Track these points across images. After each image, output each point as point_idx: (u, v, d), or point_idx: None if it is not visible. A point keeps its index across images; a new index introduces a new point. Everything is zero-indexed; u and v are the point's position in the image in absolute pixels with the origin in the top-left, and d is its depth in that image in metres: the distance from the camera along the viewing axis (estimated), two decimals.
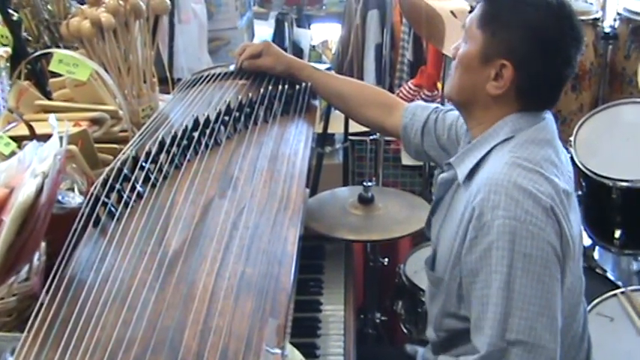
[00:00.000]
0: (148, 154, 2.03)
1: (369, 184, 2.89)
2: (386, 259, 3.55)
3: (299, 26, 5.55)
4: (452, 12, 3.54)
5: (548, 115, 2.09)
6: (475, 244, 1.88)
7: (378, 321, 3.56)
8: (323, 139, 3.82)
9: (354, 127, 3.79)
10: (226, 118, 2.27)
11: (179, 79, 3.38)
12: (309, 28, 5.78)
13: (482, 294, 1.87)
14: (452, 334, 2.11)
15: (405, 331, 3.37)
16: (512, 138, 1.99)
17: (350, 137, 4.00)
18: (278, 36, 5.32)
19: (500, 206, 1.83)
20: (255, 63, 2.71)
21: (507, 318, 1.81)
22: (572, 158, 3.70)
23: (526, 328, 1.81)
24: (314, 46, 5.84)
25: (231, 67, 2.81)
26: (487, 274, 1.84)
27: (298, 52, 5.36)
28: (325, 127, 3.76)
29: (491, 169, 1.93)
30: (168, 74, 3.30)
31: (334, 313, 2.59)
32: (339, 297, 2.68)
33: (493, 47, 1.96)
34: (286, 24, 5.19)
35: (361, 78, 5.08)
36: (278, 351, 1.45)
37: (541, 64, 1.96)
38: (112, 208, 1.84)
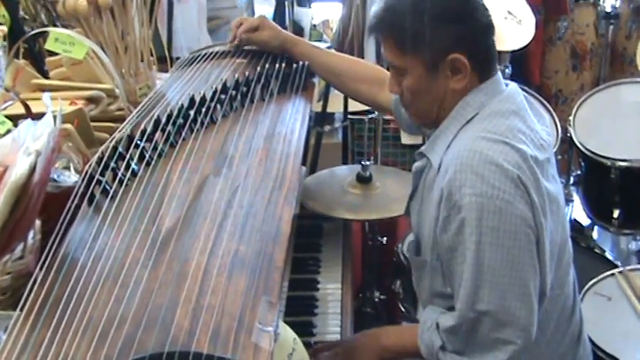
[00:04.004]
0: (144, 132, 2.02)
1: (367, 163, 2.88)
2: (384, 238, 3.55)
3: (300, 5, 5.52)
4: None
5: (511, 87, 2.08)
6: (448, 222, 1.90)
7: (377, 300, 3.56)
8: (322, 118, 3.81)
9: (354, 106, 3.78)
10: (222, 96, 2.26)
11: (178, 58, 3.37)
12: (309, 7, 5.76)
13: (459, 269, 1.90)
14: None
15: (402, 310, 3.38)
16: (476, 115, 1.99)
17: (349, 116, 3.98)
18: (278, 15, 5.29)
19: (466, 184, 1.84)
20: (252, 37, 2.70)
21: (477, 290, 1.86)
22: (570, 138, 3.70)
23: (496, 299, 1.85)
24: (315, 26, 5.81)
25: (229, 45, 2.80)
26: (462, 250, 1.88)
27: (299, 31, 5.33)
28: (324, 106, 3.76)
29: (457, 148, 1.94)
30: (167, 53, 3.29)
31: (332, 291, 2.59)
32: (337, 276, 2.68)
33: (430, 56, 1.97)
34: (287, 3, 5.15)
35: (361, 57, 5.05)
36: (270, 329, 1.45)
37: (472, 30, 1.97)
38: (107, 187, 1.83)
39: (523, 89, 3.47)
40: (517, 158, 1.87)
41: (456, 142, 1.98)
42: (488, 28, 2.01)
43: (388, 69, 2.27)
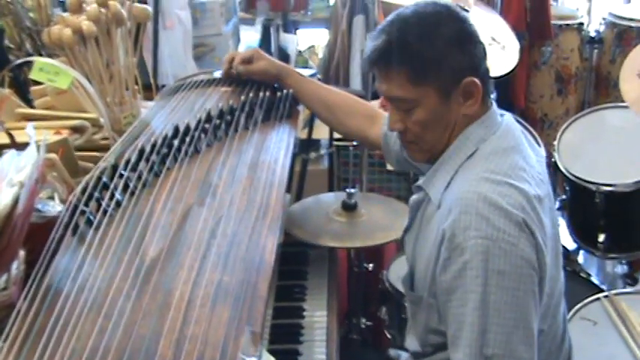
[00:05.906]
0: (128, 162, 2.03)
1: (352, 190, 2.88)
2: (371, 265, 3.55)
3: (285, 31, 5.53)
4: None
5: (507, 118, 2.10)
6: (449, 264, 1.88)
7: (363, 326, 3.56)
8: (308, 145, 3.82)
9: None
10: (206, 125, 2.27)
11: (164, 86, 3.37)
12: (295, 34, 5.77)
13: (458, 312, 1.87)
14: (437, 348, 2.11)
15: (389, 336, 3.37)
16: (477, 151, 1.99)
17: (335, 143, 4.00)
18: (264, 41, 5.29)
19: (471, 227, 1.83)
20: (250, 68, 2.66)
21: (484, 334, 1.83)
22: (555, 163, 3.72)
23: (502, 342, 1.82)
24: (301, 52, 5.83)
25: (215, 74, 2.80)
26: (463, 293, 1.85)
27: (285, 57, 5.34)
28: (310, 133, 3.76)
29: (460, 188, 1.93)
30: (152, 81, 3.29)
31: (318, 319, 2.58)
32: (323, 303, 2.67)
33: (446, 83, 1.95)
34: (272, 29, 5.16)
35: (347, 83, 5.08)
36: (253, 359, 1.45)
37: (481, 54, 1.99)
38: (91, 217, 1.83)
39: None
40: (520, 200, 1.87)
41: (458, 181, 1.98)
42: (486, 53, 2.02)
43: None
